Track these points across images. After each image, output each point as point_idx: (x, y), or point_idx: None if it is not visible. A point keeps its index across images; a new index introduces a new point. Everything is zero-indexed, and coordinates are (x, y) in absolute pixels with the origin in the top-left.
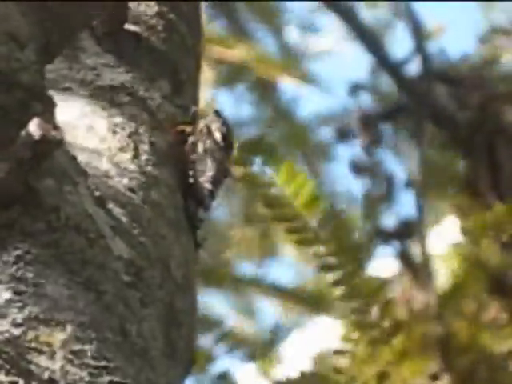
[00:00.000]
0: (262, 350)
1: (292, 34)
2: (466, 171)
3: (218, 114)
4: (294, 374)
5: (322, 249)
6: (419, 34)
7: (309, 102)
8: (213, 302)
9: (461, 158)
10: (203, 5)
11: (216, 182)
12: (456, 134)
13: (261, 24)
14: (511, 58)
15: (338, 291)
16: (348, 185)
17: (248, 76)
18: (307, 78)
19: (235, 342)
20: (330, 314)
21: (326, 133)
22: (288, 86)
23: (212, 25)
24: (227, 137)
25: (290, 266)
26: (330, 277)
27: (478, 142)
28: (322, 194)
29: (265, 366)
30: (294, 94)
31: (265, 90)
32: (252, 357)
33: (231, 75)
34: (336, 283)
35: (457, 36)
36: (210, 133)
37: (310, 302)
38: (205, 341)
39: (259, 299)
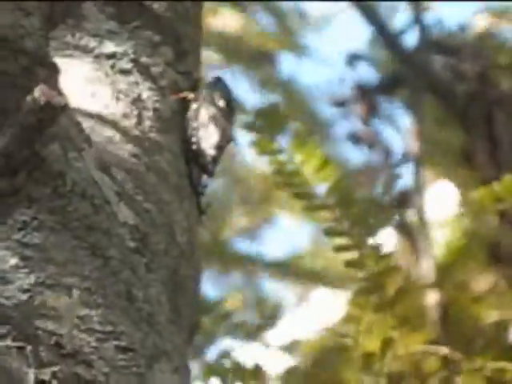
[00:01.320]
0: (260, 328)
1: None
2: (463, 142)
3: (220, 80)
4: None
5: (329, 214)
6: (417, 4)
7: (306, 73)
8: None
9: (458, 128)
10: None
11: (219, 148)
12: (454, 105)
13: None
14: (509, 28)
15: (345, 257)
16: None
17: (245, 49)
18: (305, 51)
19: (236, 322)
20: (330, 286)
21: (323, 105)
22: (286, 58)
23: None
24: (230, 103)
25: (286, 234)
26: (337, 242)
27: (475, 113)
28: (331, 162)
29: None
30: (292, 66)
31: (263, 63)
32: (252, 336)
33: (230, 49)
34: (343, 249)
35: (455, 6)
36: (212, 99)
37: (310, 275)
38: (204, 321)
39: (258, 275)
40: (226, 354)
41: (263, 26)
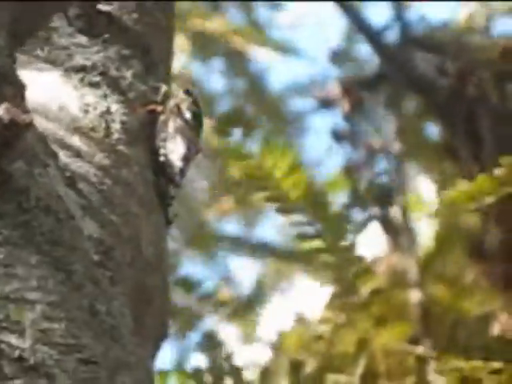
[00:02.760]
0: (243, 310)
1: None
2: (445, 139)
3: (188, 92)
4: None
5: (300, 218)
6: (399, 1)
7: (285, 71)
8: (194, 264)
9: (440, 125)
10: None
11: (186, 159)
12: (435, 102)
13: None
14: (491, 24)
15: (319, 259)
16: (325, 154)
17: (221, 47)
18: (282, 48)
19: (218, 302)
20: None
21: (303, 102)
22: (261, 56)
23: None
24: (197, 115)
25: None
26: (310, 245)
27: (457, 110)
28: (301, 165)
29: (246, 327)
30: (267, 64)
31: (238, 61)
32: (234, 317)
33: (204, 47)
34: (316, 251)
35: (436, 3)
36: (180, 111)
37: (294, 258)
38: (188, 301)
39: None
40: (209, 335)
41: (240, 24)
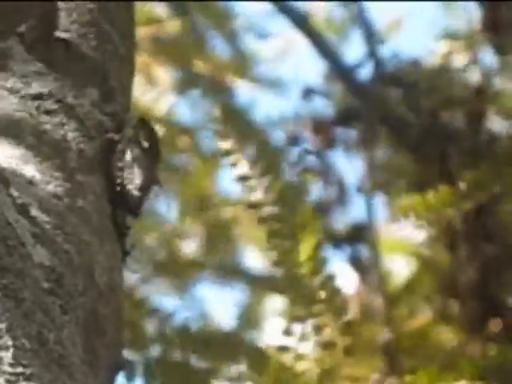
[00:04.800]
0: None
1: (245, 39)
2: (416, 176)
3: (145, 121)
4: None
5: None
6: (372, 38)
7: (262, 105)
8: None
9: (412, 162)
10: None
11: (144, 189)
12: (408, 139)
13: (214, 29)
14: (465, 62)
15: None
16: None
17: (202, 81)
18: (260, 81)
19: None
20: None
21: (277, 137)
22: (241, 89)
23: (166, 24)
24: (155, 144)
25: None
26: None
27: (430, 148)
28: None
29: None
30: (247, 97)
31: (218, 94)
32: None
33: (186, 81)
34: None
35: (413, 34)
36: (137, 141)
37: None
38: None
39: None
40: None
41: (220, 57)
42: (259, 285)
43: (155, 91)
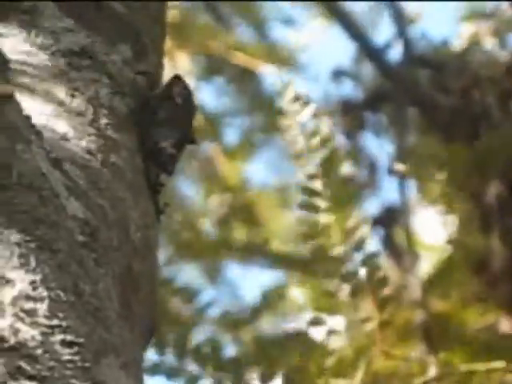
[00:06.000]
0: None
1: (272, 28)
2: (449, 157)
3: (179, 78)
4: None
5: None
6: (401, 19)
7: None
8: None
9: (443, 143)
10: None
11: (178, 146)
12: (438, 120)
13: (241, 18)
14: (492, 42)
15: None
16: None
17: (228, 67)
18: (290, 66)
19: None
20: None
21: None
22: (270, 74)
23: (194, 15)
24: (189, 101)
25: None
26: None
27: (460, 128)
28: None
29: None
30: (276, 82)
31: (245, 80)
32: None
33: (211, 67)
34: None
35: (437, 20)
36: (171, 98)
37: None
38: (186, 311)
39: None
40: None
41: (248, 43)
42: (289, 265)
43: None
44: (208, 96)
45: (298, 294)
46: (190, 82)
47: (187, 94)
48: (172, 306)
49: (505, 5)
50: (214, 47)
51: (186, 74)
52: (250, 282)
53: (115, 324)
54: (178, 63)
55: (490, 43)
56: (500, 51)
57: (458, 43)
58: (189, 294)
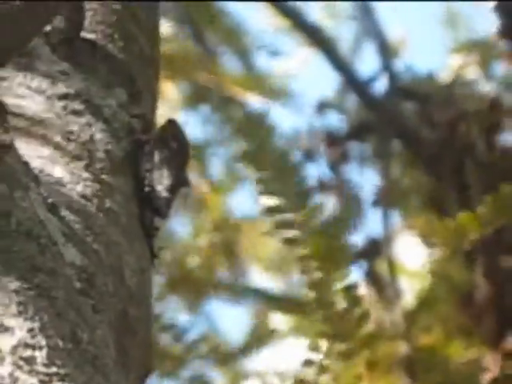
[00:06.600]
0: (231, 357)
1: (258, 57)
2: (432, 190)
3: (173, 122)
4: None
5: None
6: (386, 51)
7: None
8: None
9: (427, 176)
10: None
11: (173, 190)
12: (423, 153)
13: (226, 47)
14: (478, 75)
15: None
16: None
17: (213, 96)
18: (274, 95)
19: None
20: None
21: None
22: (255, 103)
23: (178, 43)
24: (183, 145)
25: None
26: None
27: (445, 161)
28: None
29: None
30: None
31: (230, 109)
32: (222, 364)
33: (197, 95)
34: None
35: (422, 51)
36: (166, 141)
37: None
38: (176, 346)
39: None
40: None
41: (233, 72)
42: (274, 304)
43: (164, 106)
44: (193, 125)
45: (280, 321)
46: (177, 110)
47: (181, 137)
48: (161, 342)
49: (492, 34)
50: (200, 76)
51: (171, 102)
52: (234, 317)
53: (112, 371)
54: (164, 92)
55: (475, 75)
56: (486, 83)
57: (443, 75)
58: (177, 332)
